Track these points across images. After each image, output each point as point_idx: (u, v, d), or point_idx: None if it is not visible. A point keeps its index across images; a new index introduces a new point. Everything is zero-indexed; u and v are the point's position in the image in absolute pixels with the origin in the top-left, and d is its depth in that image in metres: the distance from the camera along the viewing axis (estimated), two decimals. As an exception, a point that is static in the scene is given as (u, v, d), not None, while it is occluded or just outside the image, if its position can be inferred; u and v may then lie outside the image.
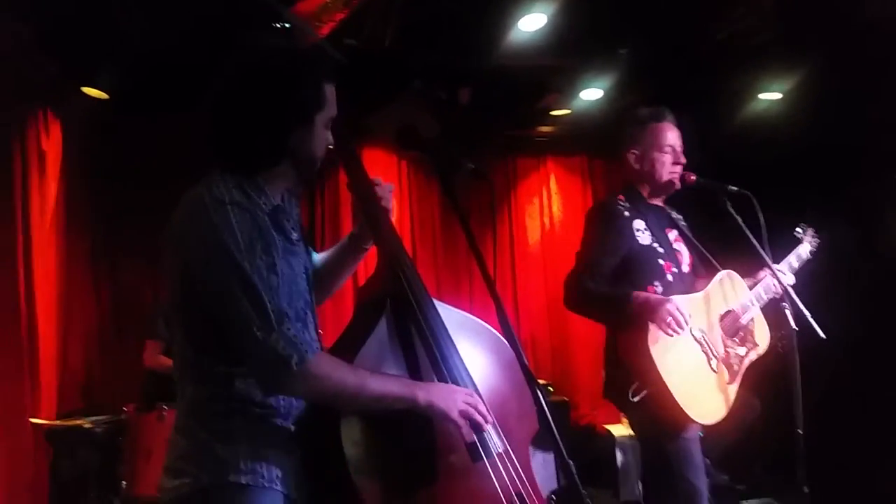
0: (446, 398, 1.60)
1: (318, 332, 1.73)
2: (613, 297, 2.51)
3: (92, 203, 4.98)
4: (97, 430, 3.95)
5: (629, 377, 2.44)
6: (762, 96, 5.05)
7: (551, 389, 5.44)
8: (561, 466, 1.31)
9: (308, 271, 1.73)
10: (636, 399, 2.40)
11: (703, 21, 4.35)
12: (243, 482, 1.52)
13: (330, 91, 1.63)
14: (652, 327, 2.40)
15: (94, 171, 4.95)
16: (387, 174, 5.87)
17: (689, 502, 2.43)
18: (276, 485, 1.55)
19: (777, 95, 5.02)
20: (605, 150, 5.82)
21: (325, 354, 1.56)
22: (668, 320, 2.37)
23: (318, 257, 1.91)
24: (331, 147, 1.69)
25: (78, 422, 4.01)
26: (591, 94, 5.18)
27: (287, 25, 3.02)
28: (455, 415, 1.59)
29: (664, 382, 2.37)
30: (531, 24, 4.20)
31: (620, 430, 4.73)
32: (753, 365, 2.68)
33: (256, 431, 1.56)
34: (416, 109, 4.86)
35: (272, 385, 1.53)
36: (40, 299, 4.19)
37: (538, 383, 1.60)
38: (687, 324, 2.40)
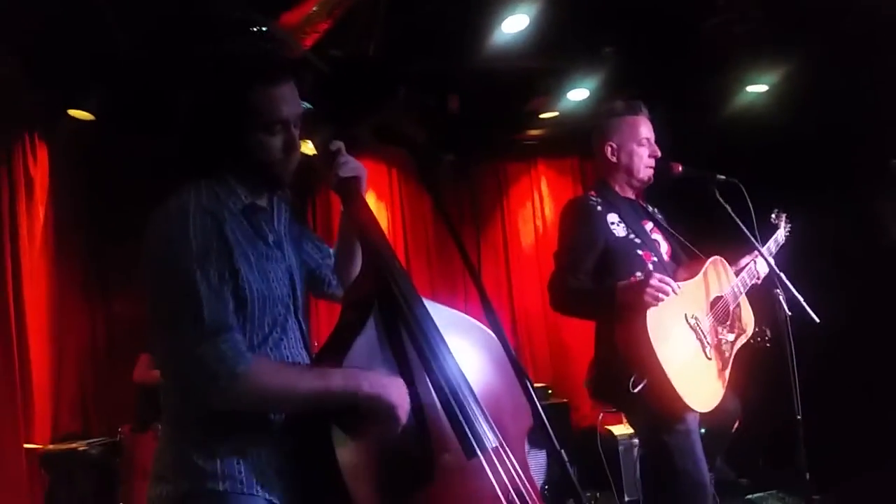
0: (392, 396, 1.53)
1: (303, 335, 1.70)
2: (599, 291, 2.50)
3: (82, 226, 4.96)
4: (93, 453, 3.92)
5: (626, 370, 2.41)
6: (749, 89, 5.05)
7: (550, 392, 5.40)
8: (554, 458, 1.27)
9: (294, 274, 1.70)
10: (636, 390, 2.36)
11: (688, 15, 4.36)
12: (221, 489, 1.50)
13: (262, 95, 1.56)
14: (650, 316, 2.37)
15: (83, 194, 4.93)
16: (377, 184, 5.87)
17: (691, 495, 2.40)
18: (257, 490, 1.53)
19: (763, 88, 5.02)
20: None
21: (262, 362, 1.52)
22: (656, 288, 2.33)
23: (334, 249, 1.93)
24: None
25: (73, 445, 3.98)
26: (578, 94, 5.18)
27: (265, 29, 3.01)
28: (401, 412, 1.53)
29: (664, 371, 2.34)
30: (514, 25, 4.20)
31: (622, 430, 4.70)
32: (743, 357, 2.67)
33: (238, 433, 1.53)
34: (403, 117, 4.85)
35: (197, 397, 1.48)
36: (31, 324, 4.17)
37: (528, 377, 1.57)
38: (675, 290, 2.38)
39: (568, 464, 1.25)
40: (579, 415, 5.48)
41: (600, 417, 4.47)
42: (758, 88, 5.05)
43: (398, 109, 4.71)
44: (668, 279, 2.38)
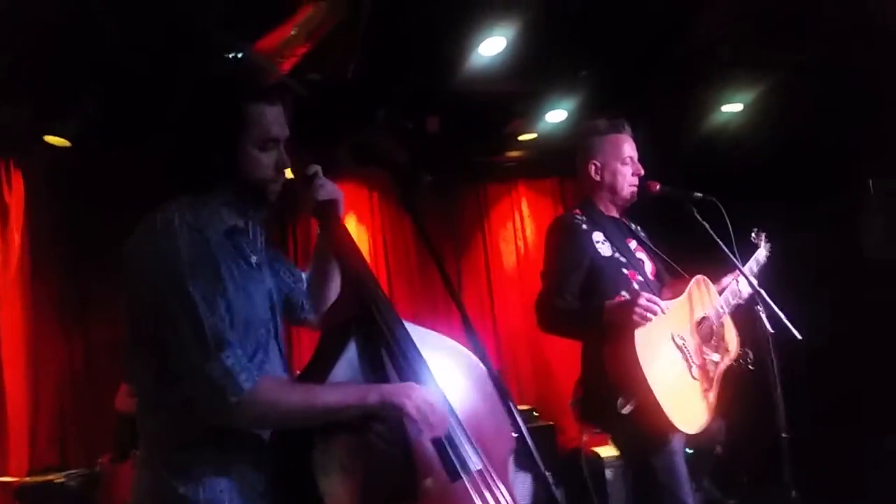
0: (400, 394, 1.55)
1: (282, 358, 1.68)
2: (586, 311, 2.49)
3: (59, 252, 4.89)
4: (71, 485, 3.82)
5: (614, 391, 2.39)
6: (724, 108, 5.11)
7: (536, 414, 5.37)
8: (539, 480, 1.26)
9: (274, 296, 1.69)
10: (625, 411, 2.35)
11: (663, 37, 4.41)
12: None
13: (257, 111, 1.57)
14: (638, 336, 2.36)
15: (59, 220, 4.87)
16: (358, 207, 5.87)
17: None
18: None
19: (738, 107, 5.09)
20: (574, 171, 5.84)
21: (267, 379, 1.51)
22: (644, 308, 2.33)
23: (306, 273, 1.92)
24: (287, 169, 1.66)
25: (50, 478, 3.88)
26: (556, 115, 5.20)
27: (240, 56, 3.01)
28: (410, 409, 1.54)
29: (652, 392, 2.33)
30: (491, 48, 4.23)
31: (608, 451, 4.66)
32: (728, 377, 2.66)
33: (219, 457, 1.50)
34: (382, 140, 4.85)
35: (206, 414, 1.46)
36: (6, 353, 4.10)
37: (512, 399, 1.56)
38: (662, 310, 2.37)
39: (553, 486, 1.23)
40: (566, 437, 5.45)
41: (584, 439, 4.43)
42: (733, 108, 5.10)
43: (377, 132, 4.71)
44: (655, 298, 2.38)
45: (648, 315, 2.33)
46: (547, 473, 1.24)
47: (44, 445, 4.50)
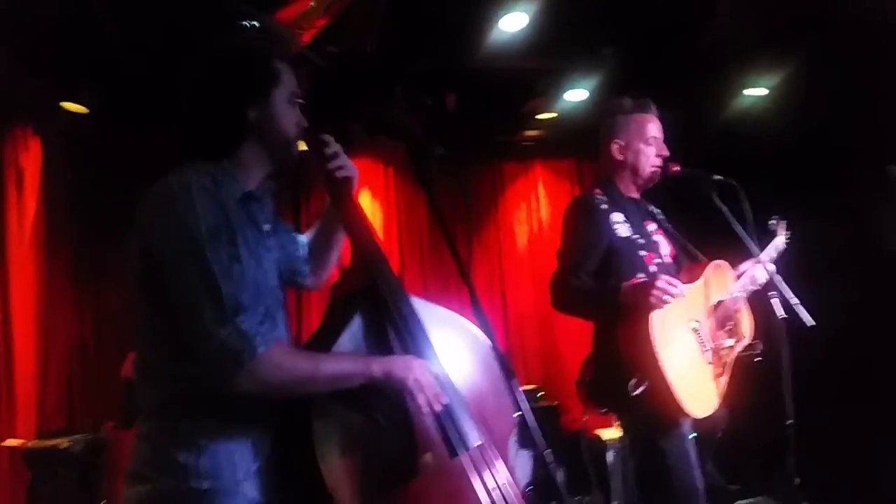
0: (403, 367, 1.56)
1: (286, 328, 1.67)
2: (602, 291, 2.45)
3: (74, 219, 4.90)
4: (76, 450, 3.85)
5: (626, 373, 2.35)
6: (748, 92, 5.02)
7: (541, 394, 5.35)
8: (538, 459, 1.24)
9: (281, 266, 1.69)
10: (636, 393, 2.31)
11: (688, 18, 4.33)
12: (204, 488, 1.45)
13: (285, 68, 1.63)
14: (654, 318, 2.32)
15: (75, 187, 4.88)
16: (373, 182, 5.84)
17: (685, 499, 2.35)
18: (241, 487, 1.49)
19: (762, 91, 5.00)
20: (593, 152, 5.79)
21: (277, 348, 1.50)
22: (662, 290, 2.28)
23: (306, 237, 1.92)
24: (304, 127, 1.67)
25: (55, 442, 3.91)
26: (577, 94, 5.14)
27: (256, 24, 2.98)
28: (412, 382, 1.54)
29: (665, 374, 2.29)
30: (513, 23, 4.16)
31: (611, 434, 4.64)
32: (736, 365, 2.63)
33: (223, 429, 1.49)
34: (397, 112, 4.80)
35: (220, 380, 1.44)
36: (17, 317, 4.12)
37: (514, 376, 1.55)
38: (681, 292, 2.32)
39: (553, 465, 1.21)
40: (569, 418, 5.43)
41: (585, 419, 4.40)
42: (757, 92, 5.01)
43: (396, 107, 4.67)
44: (674, 280, 2.33)
45: (666, 297, 2.29)
46: (547, 452, 1.22)
47: (51, 410, 4.54)
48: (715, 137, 5.07)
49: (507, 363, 1.62)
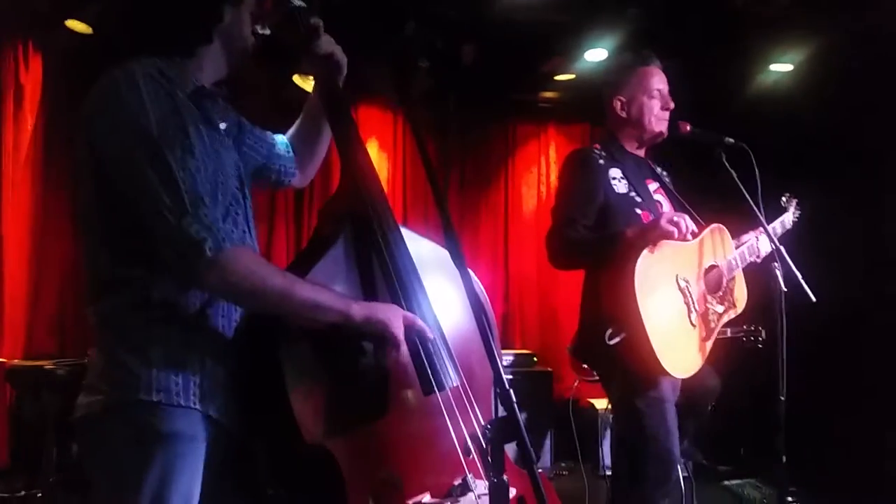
0: (386, 313, 1.48)
1: (252, 235, 1.59)
2: (605, 237, 2.37)
3: (72, 139, 4.81)
4: (60, 373, 3.81)
5: (606, 323, 2.28)
6: (773, 67, 4.86)
7: (535, 359, 5.31)
8: (502, 396, 1.17)
9: (241, 169, 1.59)
10: (612, 342, 2.24)
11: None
12: (155, 400, 1.38)
13: None
14: (638, 266, 2.24)
15: (75, 107, 4.75)
16: (381, 133, 5.73)
17: (660, 465, 2.29)
18: (194, 403, 1.42)
19: (788, 67, 4.83)
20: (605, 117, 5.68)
21: (248, 250, 1.44)
22: (671, 224, 2.22)
23: (289, 133, 1.85)
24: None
25: (40, 363, 3.88)
26: (597, 54, 4.96)
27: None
28: (395, 330, 1.47)
29: (643, 325, 2.22)
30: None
31: (604, 403, 4.60)
32: (732, 344, 2.56)
33: (179, 341, 1.42)
34: (410, 63, 4.66)
35: (186, 274, 1.38)
36: (9, 235, 4.07)
37: (489, 318, 1.46)
38: (688, 228, 2.26)
39: (515, 402, 1.14)
40: (563, 385, 5.39)
41: (575, 384, 4.36)
42: (782, 67, 4.85)
43: (406, 51, 4.52)
44: (684, 216, 2.25)
45: (674, 231, 2.22)
46: (510, 391, 1.15)
47: (42, 334, 4.50)
48: (735, 109, 4.93)
49: (483, 306, 1.52)
